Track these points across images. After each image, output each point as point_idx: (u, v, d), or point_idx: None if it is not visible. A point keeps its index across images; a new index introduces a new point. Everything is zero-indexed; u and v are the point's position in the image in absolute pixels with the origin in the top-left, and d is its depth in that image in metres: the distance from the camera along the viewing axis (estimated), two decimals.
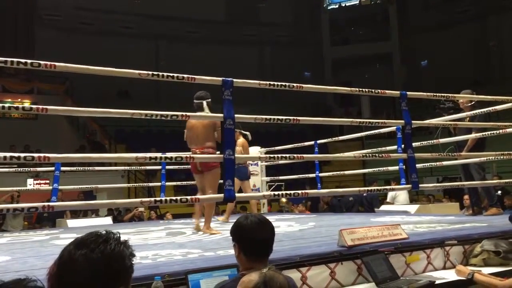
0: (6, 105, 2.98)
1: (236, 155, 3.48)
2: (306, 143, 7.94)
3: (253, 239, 2.11)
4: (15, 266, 3.09)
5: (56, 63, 3.04)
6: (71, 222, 7.49)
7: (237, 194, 3.66)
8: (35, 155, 2.93)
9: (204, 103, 4.90)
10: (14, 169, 8.46)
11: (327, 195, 9.73)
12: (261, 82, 3.84)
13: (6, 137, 14.15)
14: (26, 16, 19.36)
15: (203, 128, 4.87)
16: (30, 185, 11.52)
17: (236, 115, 3.45)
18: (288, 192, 4.05)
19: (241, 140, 6.63)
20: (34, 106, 3.09)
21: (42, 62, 2.98)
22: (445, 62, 21.79)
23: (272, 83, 3.80)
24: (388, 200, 8.68)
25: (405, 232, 3.46)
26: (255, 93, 17.07)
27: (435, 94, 4.79)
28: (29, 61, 2.94)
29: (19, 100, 17.00)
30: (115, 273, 1.27)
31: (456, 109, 5.67)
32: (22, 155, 2.94)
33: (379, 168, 7.52)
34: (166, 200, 3.46)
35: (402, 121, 4.37)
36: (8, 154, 2.85)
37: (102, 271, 1.24)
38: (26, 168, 8.43)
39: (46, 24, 20.40)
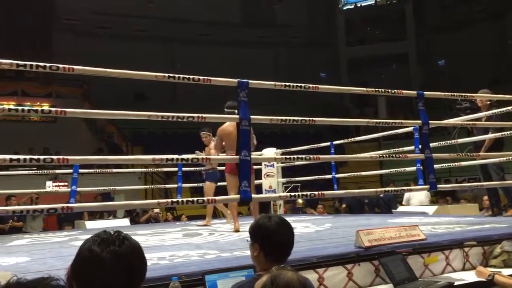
0: (26, 108, 3.03)
1: (252, 156, 3.48)
2: (322, 144, 7.91)
3: (276, 240, 2.10)
4: (34, 266, 3.14)
5: (74, 66, 3.08)
6: (90, 224, 7.58)
7: (253, 195, 3.67)
8: (54, 157, 2.97)
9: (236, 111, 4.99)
10: (33, 171, 8.57)
11: (344, 196, 9.68)
12: (277, 83, 3.84)
13: (25, 140, 14.39)
14: (45, 21, 19.67)
15: None
16: (49, 187, 11.66)
17: (252, 116, 3.46)
18: (304, 193, 4.04)
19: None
20: (53, 109, 3.13)
21: (60, 66, 3.02)
22: (463, 62, 21.51)
23: (287, 84, 3.80)
24: (403, 202, 8.55)
25: (423, 233, 3.43)
26: (270, 94, 17.10)
27: (452, 94, 4.74)
28: (48, 64, 2.99)
29: (38, 103, 17.27)
30: (141, 265, 1.31)
31: (474, 109, 5.60)
32: (41, 157, 2.98)
33: (396, 169, 7.46)
34: (182, 201, 3.48)
35: (419, 121, 4.33)
36: (27, 157, 2.89)
37: (131, 264, 1.28)
38: (45, 171, 8.54)
39: (64, 28, 20.68)
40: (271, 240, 2.11)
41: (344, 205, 10.05)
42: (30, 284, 0.82)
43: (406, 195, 8.43)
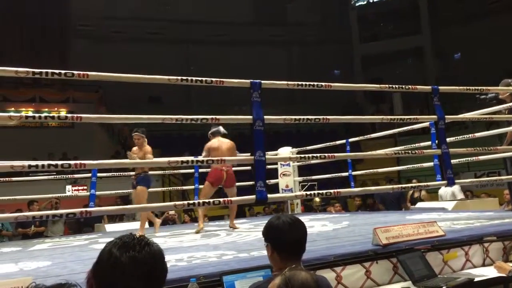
0: (43, 115, 3.08)
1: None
2: (338, 142, 7.89)
3: (285, 239, 2.12)
4: (55, 271, 3.19)
5: (89, 72, 3.12)
6: (109, 227, 7.66)
7: (270, 195, 3.67)
8: (72, 162, 3.02)
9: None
10: (53, 176, 8.71)
11: (360, 193, 9.61)
12: (289, 82, 3.84)
13: (44, 146, 14.61)
14: (60, 27, 19.94)
15: (228, 151, 5.85)
16: (68, 191, 11.84)
17: (265, 117, 3.47)
18: (320, 191, 4.03)
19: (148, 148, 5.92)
20: (69, 115, 3.18)
21: (75, 72, 3.07)
22: (479, 54, 21.19)
23: (300, 83, 3.80)
24: (439, 199, 8.26)
25: (441, 229, 3.40)
26: (284, 93, 17.11)
27: (468, 87, 4.68)
28: (63, 71, 3.03)
29: (56, 109, 17.54)
30: (161, 272, 1.30)
31: (499, 100, 5.47)
32: (60, 162, 3.03)
33: (413, 165, 7.40)
34: (199, 203, 3.50)
35: (435, 116, 4.28)
36: (46, 162, 2.94)
37: (150, 271, 1.26)
38: (64, 175, 8.67)
39: (79, 34, 20.94)
40: (282, 239, 2.12)
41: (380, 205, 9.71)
42: None
43: (441, 191, 8.08)
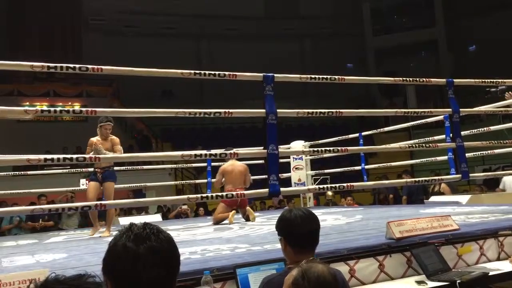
0: (58, 109, 3.11)
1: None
2: (351, 136, 7.86)
3: (298, 232, 2.12)
4: (72, 262, 3.23)
5: (103, 67, 3.15)
6: (123, 220, 7.73)
7: (282, 189, 3.67)
8: (87, 156, 3.06)
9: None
10: (67, 169, 8.80)
11: (373, 187, 9.58)
12: (302, 76, 3.84)
13: (59, 140, 14.76)
14: (73, 22, 20.09)
15: (240, 174, 6.11)
16: (82, 185, 11.93)
17: (278, 110, 3.47)
18: (333, 185, 4.03)
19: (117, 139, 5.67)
20: (83, 109, 3.21)
21: (89, 66, 3.10)
22: (495, 47, 20.89)
23: (313, 76, 3.79)
24: (500, 187, 8.11)
25: (456, 223, 3.37)
26: (297, 86, 17.03)
27: (483, 80, 4.62)
28: (77, 66, 3.06)
29: (70, 103, 17.69)
30: (177, 258, 1.31)
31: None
32: (74, 156, 3.07)
33: (427, 159, 7.35)
34: (212, 196, 3.52)
35: (450, 110, 4.25)
36: (62, 156, 2.97)
37: (169, 258, 1.27)
38: (79, 169, 8.75)
39: (92, 29, 21.06)
40: (294, 232, 2.13)
41: (404, 197, 9.56)
42: (68, 281, 0.85)
43: (505, 178, 7.81)
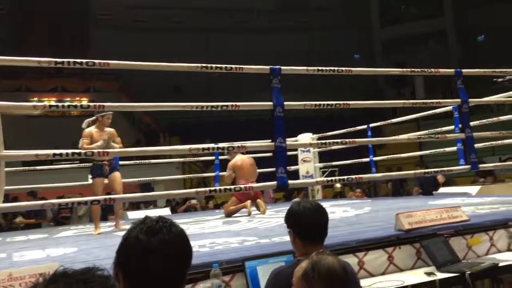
0: (66, 104, 3.13)
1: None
2: (359, 127, 7.82)
3: (306, 224, 2.12)
4: (81, 257, 3.25)
5: (109, 61, 3.15)
6: (132, 214, 7.77)
7: (290, 182, 3.67)
8: (95, 150, 3.06)
9: None
10: (76, 164, 8.84)
11: (382, 179, 9.54)
12: (309, 68, 3.82)
13: (67, 135, 14.81)
14: (81, 17, 20.15)
15: (251, 166, 6.13)
16: (91, 179, 11.99)
17: (285, 103, 3.46)
18: (341, 177, 4.02)
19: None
20: (91, 104, 3.22)
21: (96, 61, 3.10)
22: (504, 36, 20.65)
23: (320, 68, 3.77)
24: None
25: (465, 214, 3.35)
26: (305, 79, 16.97)
27: (493, 70, 4.58)
28: (84, 60, 3.07)
29: (77, 98, 17.79)
30: (189, 251, 1.32)
31: None
32: (83, 151, 3.08)
33: (436, 150, 7.31)
34: (220, 189, 3.52)
35: (458, 100, 4.21)
36: (70, 151, 2.99)
37: (181, 251, 1.28)
38: (87, 164, 8.79)
39: (100, 24, 21.09)
40: (302, 224, 2.13)
41: (416, 188, 9.49)
42: (76, 274, 0.85)
43: None
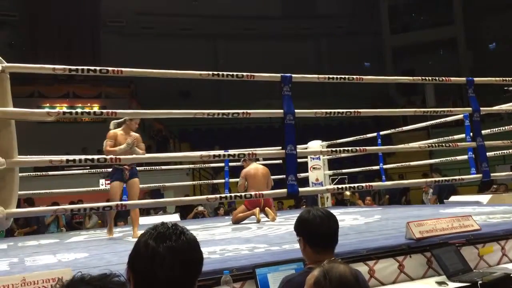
0: (79, 110, 3.16)
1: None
2: (369, 135, 7.81)
3: (316, 232, 2.12)
4: (93, 262, 3.28)
5: (123, 69, 3.19)
6: (142, 219, 7.79)
7: (301, 189, 3.67)
8: (108, 157, 3.09)
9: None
10: (87, 170, 8.90)
11: (392, 187, 9.51)
12: (320, 76, 3.83)
13: (78, 141, 14.94)
14: (92, 24, 20.33)
15: (263, 177, 6.11)
16: (102, 185, 12.08)
17: (296, 110, 3.47)
18: (351, 185, 4.01)
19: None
20: (104, 111, 3.26)
21: (110, 69, 3.14)
22: None
23: (331, 76, 3.79)
24: None
25: (477, 223, 3.34)
26: (314, 86, 16.98)
27: (504, 78, 4.56)
28: (98, 68, 3.11)
29: (88, 105, 17.91)
30: (198, 259, 1.32)
31: None
32: (95, 157, 3.11)
33: (447, 158, 7.27)
34: (230, 196, 3.54)
35: (470, 109, 4.20)
36: (82, 157, 3.02)
37: (188, 259, 1.28)
38: (98, 169, 8.86)
39: (110, 31, 21.29)
40: (312, 232, 2.13)
41: (434, 196, 9.39)
42: (93, 281, 0.87)
43: None
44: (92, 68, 3.08)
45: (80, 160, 2.96)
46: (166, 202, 6.46)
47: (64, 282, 0.88)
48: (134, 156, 3.76)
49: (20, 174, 2.99)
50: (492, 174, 4.28)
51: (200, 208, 9.53)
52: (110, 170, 9.08)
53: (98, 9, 20.68)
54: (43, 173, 7.72)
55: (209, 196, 3.53)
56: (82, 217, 9.62)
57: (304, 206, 8.61)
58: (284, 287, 2.05)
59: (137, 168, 7.19)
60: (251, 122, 18.51)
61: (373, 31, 24.26)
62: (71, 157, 2.95)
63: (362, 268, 2.63)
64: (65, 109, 13.51)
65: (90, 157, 3.05)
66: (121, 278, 0.90)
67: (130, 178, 5.18)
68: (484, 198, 6.87)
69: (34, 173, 7.67)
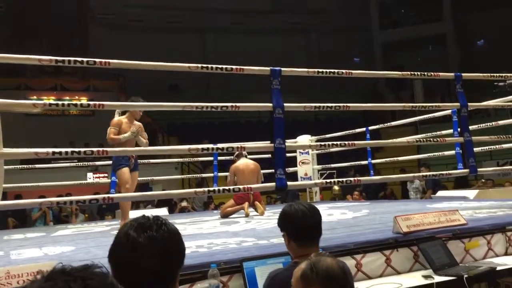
0: (66, 102, 3.12)
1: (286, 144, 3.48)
2: (358, 130, 7.83)
3: (300, 226, 2.11)
4: (79, 255, 3.25)
5: (110, 60, 3.15)
6: (130, 213, 7.75)
7: (289, 183, 3.67)
8: (94, 149, 3.06)
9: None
10: (74, 163, 8.84)
11: (380, 182, 9.56)
12: (310, 70, 3.82)
13: (65, 134, 14.82)
14: (80, 16, 20.12)
15: (252, 173, 6.02)
16: (89, 178, 12.02)
17: (285, 104, 3.46)
18: (340, 179, 4.02)
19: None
20: (91, 103, 3.22)
21: (97, 60, 3.10)
22: (504, 41, 20.69)
23: (320, 70, 3.78)
24: None
25: (463, 218, 3.36)
26: (304, 81, 16.99)
27: (492, 74, 4.59)
28: (85, 59, 3.07)
29: (77, 97, 17.76)
30: (178, 250, 1.32)
31: None
32: (82, 150, 3.07)
33: (434, 153, 7.32)
34: (219, 190, 3.52)
35: (458, 104, 4.22)
36: (68, 150, 2.98)
37: (168, 250, 1.28)
38: (86, 163, 8.80)
39: (98, 23, 21.09)
40: (296, 226, 2.12)
41: (430, 190, 9.47)
42: (75, 271, 0.85)
43: None
44: (79, 59, 3.04)
45: (66, 153, 2.92)
46: (154, 196, 6.43)
47: (45, 273, 0.86)
48: (121, 149, 3.73)
49: (7, 167, 2.95)
50: (478, 169, 4.31)
51: (183, 204, 9.49)
52: (97, 163, 9.06)
53: (87, 1, 20.48)
54: (30, 166, 7.64)
55: (197, 190, 3.52)
56: (69, 215, 9.56)
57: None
58: (270, 283, 2.05)
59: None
60: (240, 116, 18.49)
61: (363, 27, 24.30)
62: (57, 150, 2.91)
63: (349, 262, 2.64)
64: (52, 102, 13.37)
65: (76, 149, 3.01)
66: (103, 269, 0.89)
67: (134, 170, 5.12)
68: (471, 193, 6.94)
69: (20, 166, 7.58)
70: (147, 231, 1.27)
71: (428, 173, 4.91)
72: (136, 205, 10.18)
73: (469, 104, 4.29)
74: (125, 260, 1.25)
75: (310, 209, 2.16)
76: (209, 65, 3.44)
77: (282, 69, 3.53)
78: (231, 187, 3.48)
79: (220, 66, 3.45)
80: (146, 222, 1.30)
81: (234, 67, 3.47)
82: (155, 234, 1.27)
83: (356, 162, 8.60)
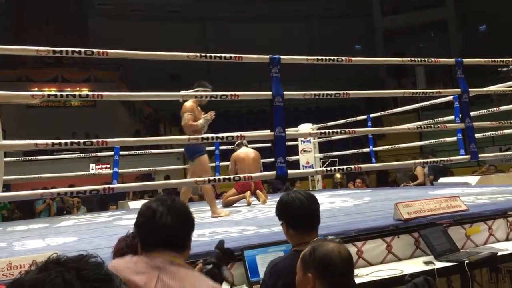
0: (65, 93, 3.12)
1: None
2: (359, 118, 7.80)
3: (298, 214, 2.10)
4: (82, 246, 3.27)
5: (108, 50, 3.13)
6: (133, 204, 7.79)
7: (290, 171, 3.67)
8: (94, 140, 3.06)
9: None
10: (77, 155, 8.85)
11: (382, 169, 9.55)
12: (309, 57, 3.80)
13: (67, 125, 14.84)
14: (79, 6, 20.03)
15: (253, 161, 6.05)
16: (92, 169, 12.06)
17: (285, 92, 3.44)
18: (341, 167, 4.02)
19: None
20: (90, 93, 3.21)
21: (95, 50, 3.08)
22: (506, 26, 20.51)
23: (320, 58, 3.75)
24: None
25: (464, 204, 3.36)
26: (304, 69, 16.93)
27: (493, 59, 4.55)
28: (83, 49, 3.05)
29: (78, 88, 17.72)
30: (192, 220, 1.67)
31: None
32: (82, 140, 3.07)
33: (436, 140, 7.30)
34: (219, 179, 3.52)
35: (459, 90, 4.20)
36: (68, 141, 2.98)
37: (184, 218, 1.63)
38: (88, 154, 8.81)
39: (98, 13, 20.99)
40: (294, 214, 2.11)
41: (431, 177, 9.49)
42: (69, 261, 0.85)
43: None
44: (77, 49, 3.02)
45: (66, 144, 2.92)
46: (155, 185, 6.44)
47: (39, 264, 0.85)
48: (120, 139, 3.73)
49: (9, 159, 2.95)
50: (480, 155, 4.30)
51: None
52: (99, 154, 9.05)
53: None
54: (32, 157, 7.65)
55: (198, 179, 3.52)
56: (71, 208, 9.60)
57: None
58: (271, 271, 2.05)
59: (126, 152, 7.18)
60: (242, 106, 18.44)
61: (364, 13, 24.13)
62: (56, 141, 2.90)
63: (350, 249, 2.60)
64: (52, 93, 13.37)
65: (76, 140, 3.01)
66: (98, 259, 0.89)
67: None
68: (473, 179, 6.93)
69: (22, 158, 7.60)
70: (164, 204, 1.61)
71: (428, 160, 4.89)
72: (140, 195, 10.23)
73: (470, 89, 4.26)
74: (149, 227, 1.59)
75: (308, 197, 2.16)
76: (208, 54, 3.43)
77: (282, 57, 3.51)
78: (232, 176, 3.48)
79: (218, 54, 3.43)
80: (163, 197, 1.68)
81: (232, 55, 3.45)
82: (172, 204, 1.62)
83: (357, 150, 8.58)
